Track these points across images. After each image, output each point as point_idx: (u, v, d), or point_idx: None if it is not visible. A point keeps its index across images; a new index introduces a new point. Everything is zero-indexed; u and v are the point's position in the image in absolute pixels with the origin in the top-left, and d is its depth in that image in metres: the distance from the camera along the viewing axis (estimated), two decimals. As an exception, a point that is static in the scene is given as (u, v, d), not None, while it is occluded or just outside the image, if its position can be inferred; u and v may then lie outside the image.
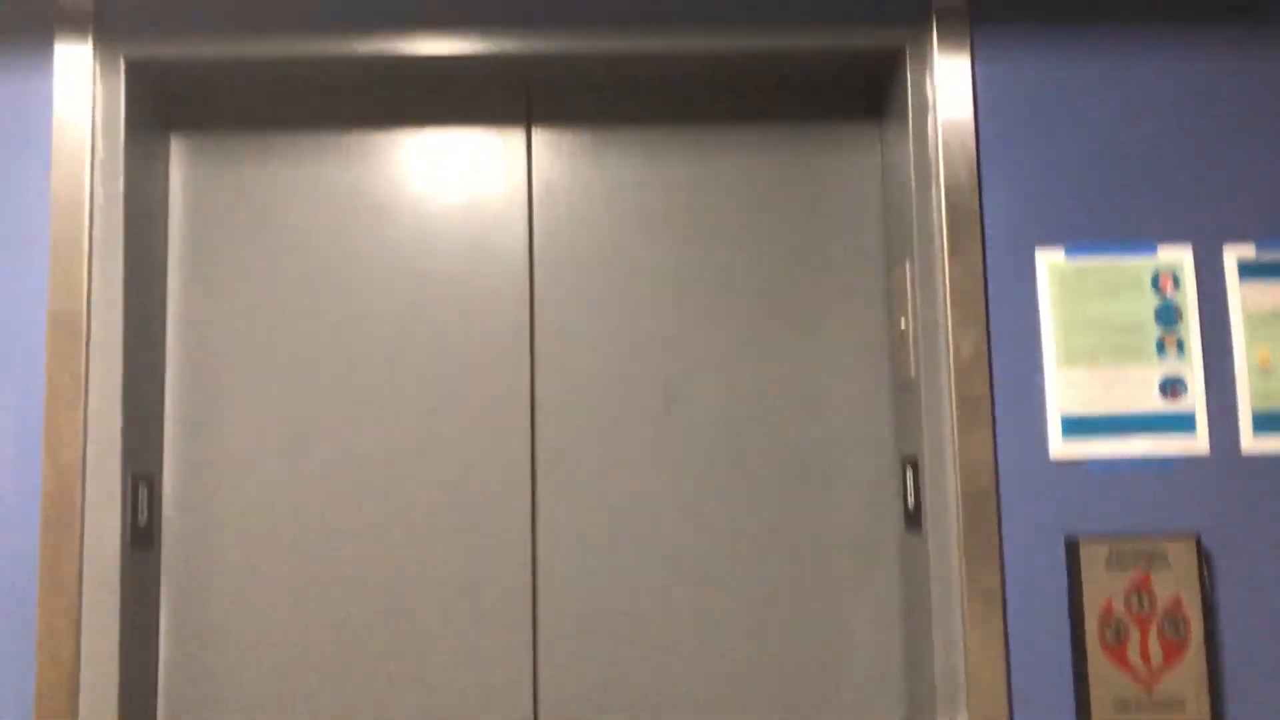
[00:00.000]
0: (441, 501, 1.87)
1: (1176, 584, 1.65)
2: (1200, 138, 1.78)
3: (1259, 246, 1.76)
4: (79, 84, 1.75)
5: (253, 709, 1.83)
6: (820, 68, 1.88)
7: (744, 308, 1.91)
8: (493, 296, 1.90)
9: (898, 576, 1.87)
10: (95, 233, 1.73)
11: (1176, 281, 1.75)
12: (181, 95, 1.93)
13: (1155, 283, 1.75)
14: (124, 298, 1.73)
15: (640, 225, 1.93)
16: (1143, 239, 1.76)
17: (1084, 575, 1.65)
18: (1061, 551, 1.70)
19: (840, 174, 1.95)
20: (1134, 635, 1.64)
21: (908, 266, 1.79)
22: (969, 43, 1.78)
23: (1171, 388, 1.73)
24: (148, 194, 1.84)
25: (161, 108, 1.92)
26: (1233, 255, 1.76)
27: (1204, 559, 1.69)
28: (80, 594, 1.67)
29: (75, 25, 1.76)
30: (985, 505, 1.70)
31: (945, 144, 1.76)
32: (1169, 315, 1.74)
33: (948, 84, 1.77)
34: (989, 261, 1.75)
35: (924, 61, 1.79)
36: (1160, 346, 1.74)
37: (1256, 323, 1.75)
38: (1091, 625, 1.64)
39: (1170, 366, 1.74)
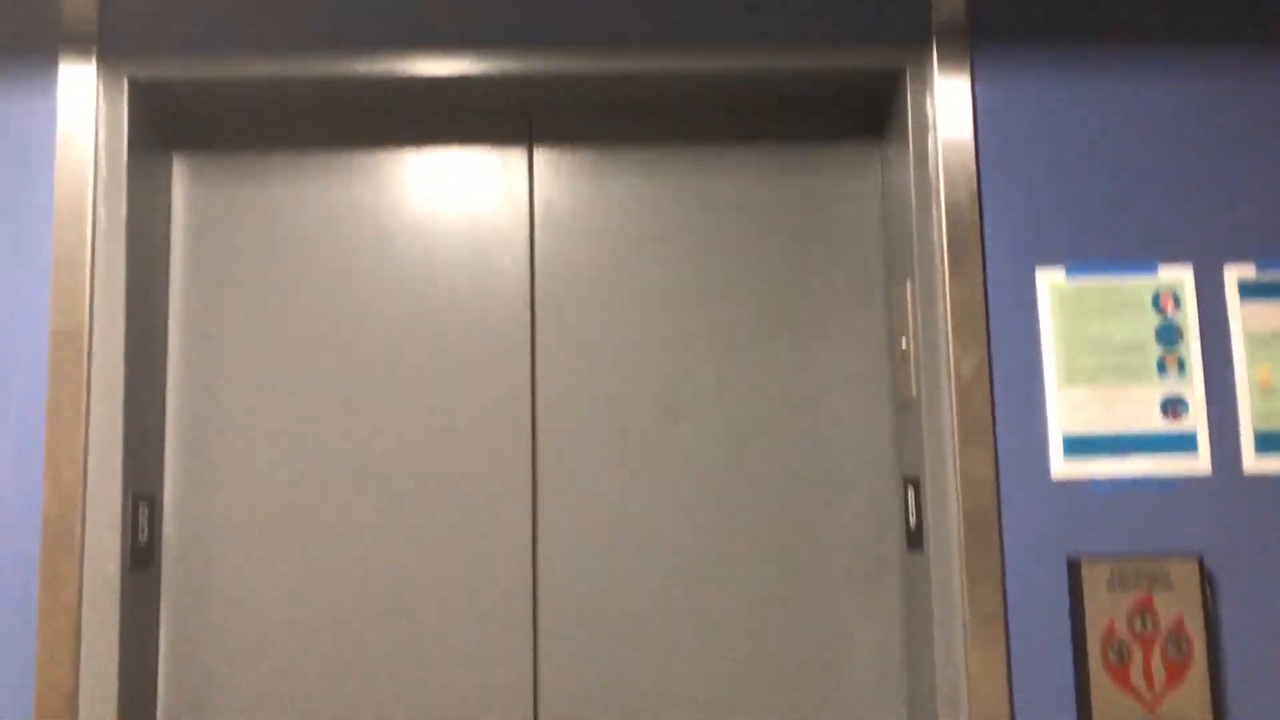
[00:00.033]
0: (442, 524, 1.86)
1: (1179, 604, 1.64)
2: (1200, 157, 1.78)
3: (1259, 266, 1.76)
4: (82, 103, 1.75)
5: (252, 729, 1.83)
6: (820, 88, 1.89)
7: (745, 327, 1.92)
8: (494, 315, 1.91)
9: (899, 596, 1.87)
10: (97, 252, 1.74)
11: (1177, 301, 1.75)
12: (184, 115, 1.94)
13: (1156, 302, 1.75)
14: (125, 316, 1.73)
15: (641, 244, 1.93)
16: (1143, 259, 1.76)
17: (1086, 596, 1.65)
18: (1063, 571, 1.69)
19: (841, 194, 1.95)
20: (1137, 656, 1.64)
21: (908, 286, 1.79)
22: (969, 63, 1.79)
23: (1172, 407, 1.73)
24: (150, 213, 1.85)
25: (164, 127, 1.92)
26: (1233, 275, 1.76)
27: (1206, 579, 1.68)
28: (80, 612, 1.67)
29: (79, 45, 1.76)
30: (987, 525, 1.69)
31: (945, 164, 1.76)
32: (1170, 335, 1.75)
33: (948, 104, 1.78)
34: (989, 281, 1.75)
35: (924, 82, 1.80)
36: (1161, 366, 1.74)
37: (1257, 342, 1.75)
38: (1094, 646, 1.64)
39: (1171, 386, 1.74)
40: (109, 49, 1.78)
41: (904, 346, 1.81)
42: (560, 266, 1.92)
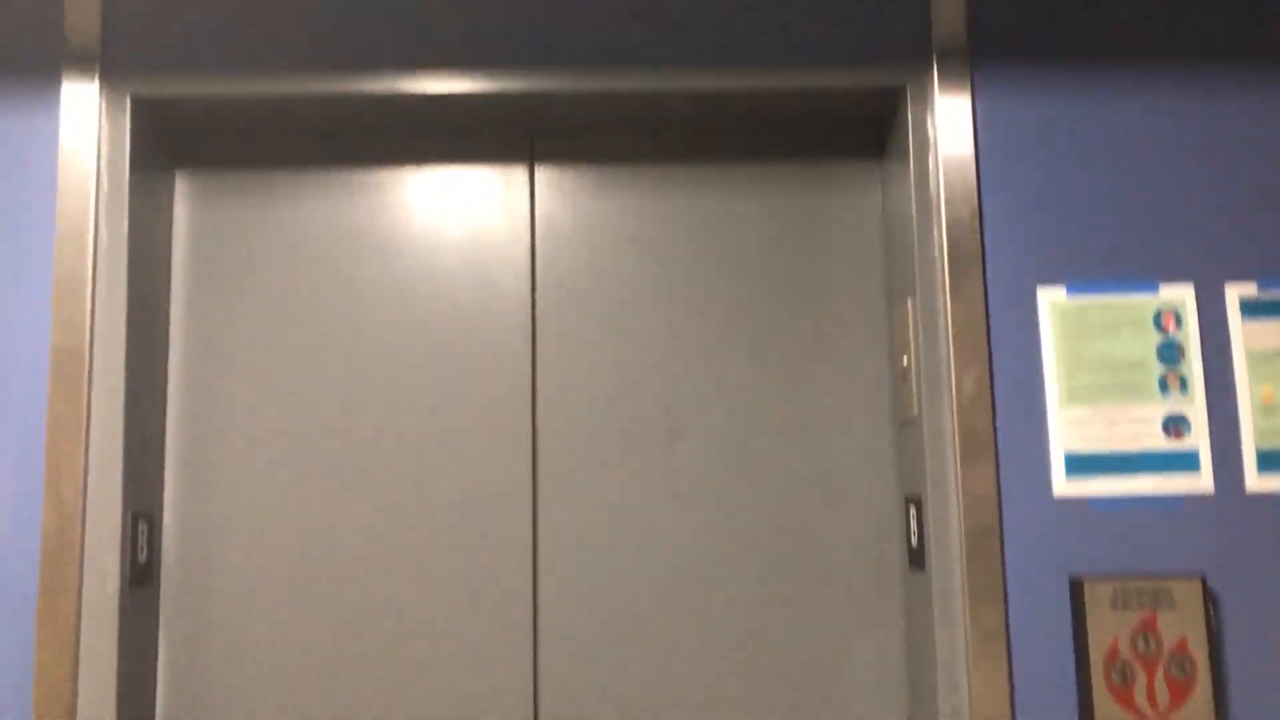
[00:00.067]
0: (443, 541, 1.86)
1: (1182, 624, 1.64)
2: (1201, 175, 1.78)
3: (1260, 285, 1.76)
4: (85, 121, 1.76)
5: (250, 749, 1.82)
6: (821, 106, 1.89)
7: (746, 345, 1.91)
8: (496, 333, 1.91)
9: (901, 615, 1.86)
10: (99, 269, 1.74)
11: (1178, 319, 1.75)
12: (186, 133, 1.94)
13: (1157, 321, 1.75)
14: (126, 334, 1.73)
15: (642, 262, 1.93)
16: (1144, 277, 1.76)
17: (1089, 615, 1.64)
18: (1065, 591, 1.68)
19: (842, 211, 1.95)
20: (1140, 677, 1.63)
21: (909, 304, 1.79)
22: (969, 81, 1.80)
23: (1174, 426, 1.73)
24: (151, 231, 1.85)
25: (166, 145, 1.93)
26: (1234, 293, 1.76)
27: (1210, 599, 1.67)
28: (79, 629, 1.66)
29: (82, 63, 1.77)
30: (988, 544, 1.69)
31: (946, 182, 1.76)
32: (1171, 353, 1.74)
33: (948, 122, 1.78)
34: (990, 299, 1.75)
35: (925, 100, 1.80)
36: (1163, 384, 1.74)
37: (1259, 361, 1.75)
38: (1097, 666, 1.63)
39: (1173, 405, 1.73)
40: (112, 67, 1.78)
41: (905, 364, 1.81)
42: (561, 284, 1.92)
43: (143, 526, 1.77)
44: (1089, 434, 1.72)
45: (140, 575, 1.76)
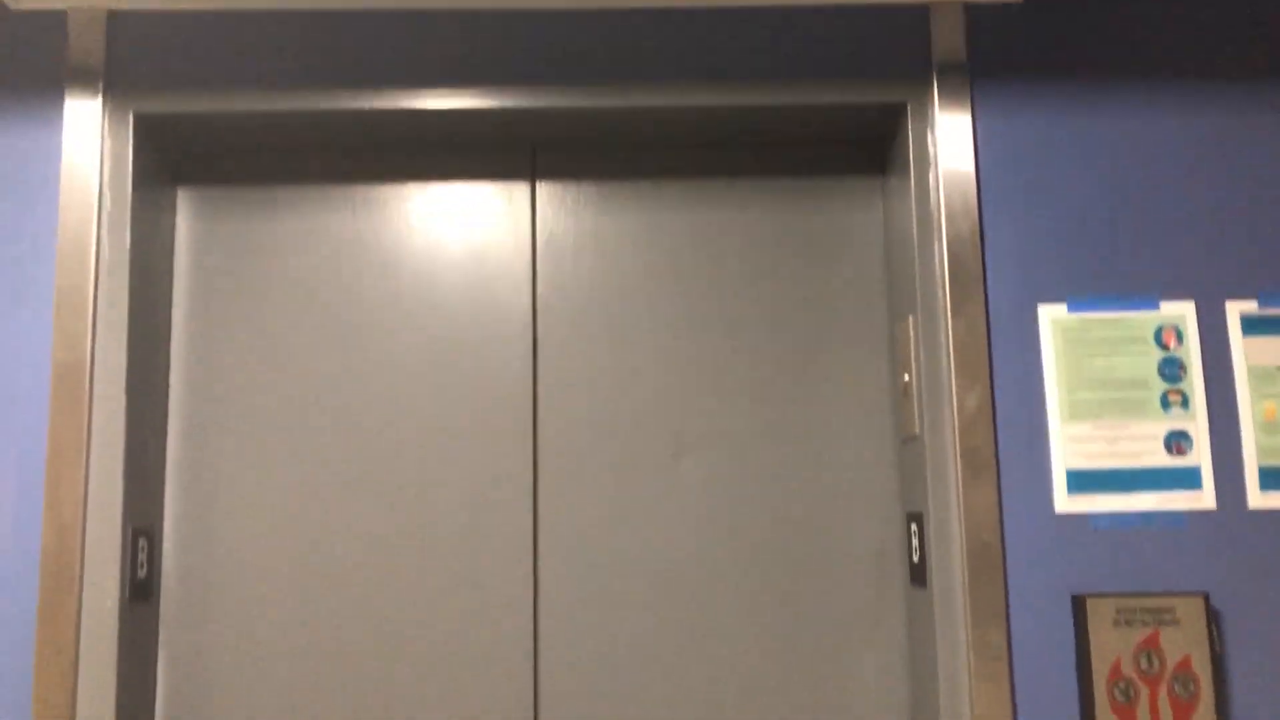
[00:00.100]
0: (444, 553, 1.86)
1: (1186, 643, 1.63)
2: (1201, 192, 1.79)
3: (1261, 301, 1.76)
4: (88, 138, 1.76)
5: (249, 766, 1.81)
6: (822, 123, 1.90)
7: (747, 361, 1.91)
8: (497, 349, 1.91)
9: (902, 632, 1.85)
10: (100, 285, 1.74)
11: (1179, 336, 1.75)
12: (189, 149, 1.95)
13: (1158, 337, 1.75)
14: (128, 349, 1.73)
15: (644, 279, 1.93)
16: (1145, 294, 1.76)
17: (1091, 633, 1.64)
18: (1068, 608, 1.68)
19: (843, 228, 1.96)
20: (1143, 695, 1.62)
21: (911, 321, 1.79)
22: (969, 98, 1.80)
23: (1176, 443, 1.73)
24: (154, 247, 1.85)
25: (169, 161, 1.93)
26: (1235, 310, 1.76)
27: (1212, 617, 1.67)
28: (78, 646, 1.66)
29: (86, 80, 1.78)
30: (990, 561, 1.68)
31: (947, 198, 1.77)
32: (1173, 370, 1.74)
33: (949, 139, 1.78)
34: (991, 316, 1.75)
35: (925, 117, 1.80)
36: (1164, 401, 1.73)
37: (1260, 377, 1.74)
38: (1100, 685, 1.62)
39: (1175, 421, 1.73)
40: (115, 84, 1.79)
41: (906, 381, 1.81)
42: (563, 300, 1.92)
43: (142, 542, 1.77)
44: (1091, 451, 1.72)
45: (140, 591, 1.76)
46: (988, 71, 1.82)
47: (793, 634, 1.85)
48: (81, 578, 1.67)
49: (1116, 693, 1.62)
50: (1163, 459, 1.72)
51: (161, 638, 1.84)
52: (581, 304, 1.92)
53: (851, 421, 1.90)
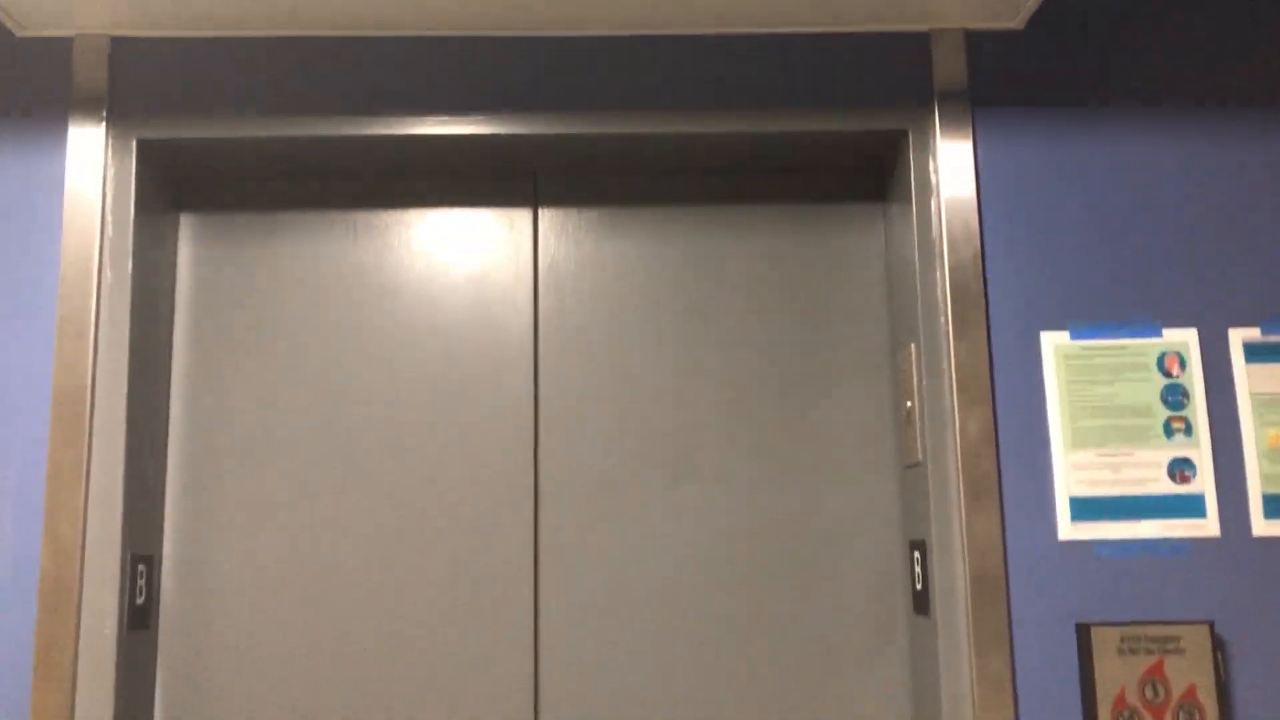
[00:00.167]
0: (444, 581, 1.85)
1: (1191, 672, 1.62)
2: (1204, 219, 1.79)
3: (1264, 329, 1.76)
4: (91, 163, 1.77)
5: (247, 796, 1.79)
6: (824, 150, 1.90)
7: (749, 388, 1.91)
8: (498, 376, 1.90)
9: (905, 661, 1.84)
10: (102, 311, 1.74)
11: (1182, 363, 1.75)
12: (191, 175, 1.95)
13: (1161, 364, 1.75)
14: (128, 375, 1.73)
15: (646, 305, 1.93)
16: (1147, 321, 1.76)
17: (1096, 662, 1.62)
18: (1072, 637, 1.67)
19: (844, 255, 1.96)
20: (1149, 726, 1.61)
21: (913, 347, 1.79)
22: (971, 125, 1.81)
23: (1180, 470, 1.72)
24: (156, 273, 1.86)
25: (171, 187, 1.94)
26: (1238, 337, 1.76)
27: (1218, 646, 1.66)
28: (75, 673, 1.65)
29: (89, 106, 1.78)
30: (994, 589, 1.67)
31: (949, 226, 1.77)
32: (1176, 397, 1.74)
33: (950, 165, 1.79)
34: (994, 342, 1.75)
35: (926, 143, 1.81)
36: (1168, 428, 1.73)
37: (1263, 405, 1.74)
38: (1104, 714, 1.61)
39: (1178, 448, 1.73)
40: (118, 111, 1.79)
41: (909, 408, 1.81)
42: (564, 326, 1.92)
43: (141, 569, 1.76)
44: (1094, 478, 1.71)
45: (138, 618, 1.75)
46: (989, 98, 1.82)
47: (794, 662, 1.84)
48: (80, 604, 1.67)
49: (1122, 723, 1.61)
50: (1166, 486, 1.71)
51: (160, 665, 1.82)
52: (583, 330, 1.92)
53: (853, 448, 1.90)
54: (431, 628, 1.83)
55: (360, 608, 1.84)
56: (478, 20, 1.78)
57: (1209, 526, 1.70)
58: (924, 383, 1.75)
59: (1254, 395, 1.74)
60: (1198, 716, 1.61)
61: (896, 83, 1.82)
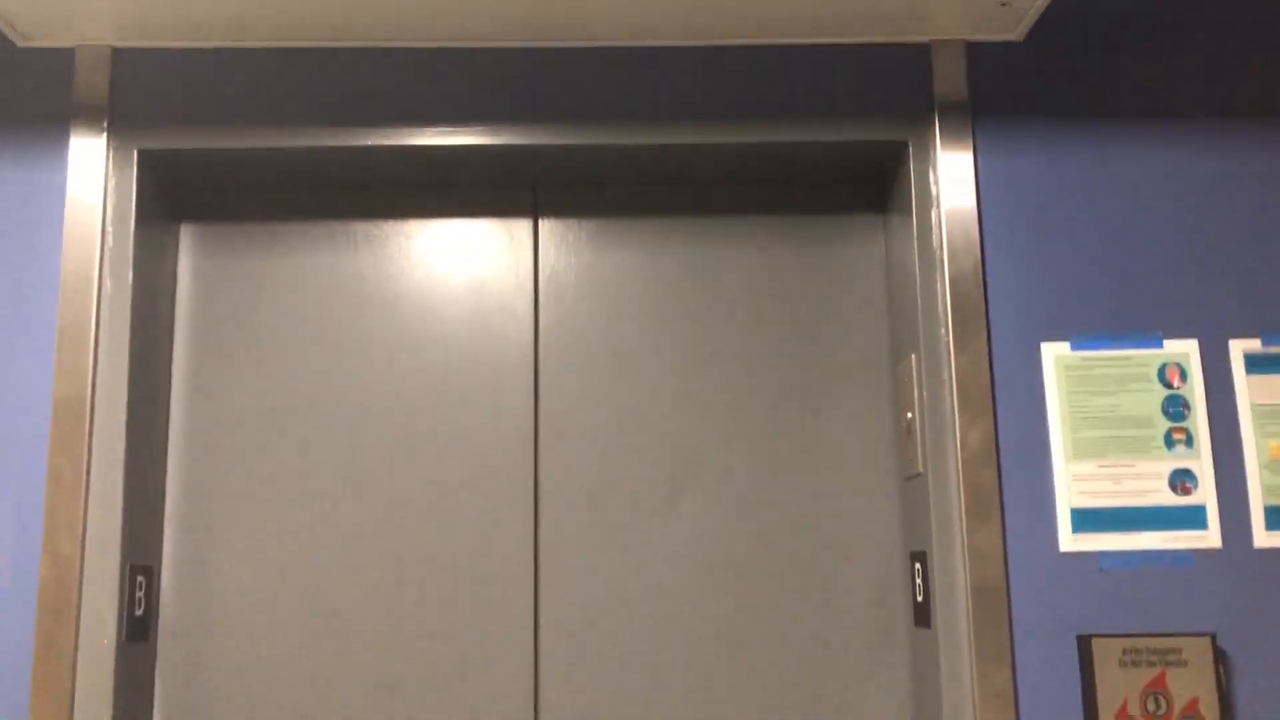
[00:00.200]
0: (444, 593, 1.84)
1: (1193, 684, 1.61)
2: (1203, 231, 1.79)
3: (1265, 340, 1.76)
4: (92, 174, 1.77)
5: (245, 808, 1.79)
6: (824, 161, 1.90)
7: (749, 400, 1.91)
8: (498, 386, 1.90)
9: (907, 673, 1.84)
10: (102, 321, 1.74)
11: (1183, 374, 1.74)
12: (192, 185, 1.95)
13: (1162, 376, 1.74)
14: (128, 387, 1.73)
15: (645, 316, 1.93)
16: (1148, 332, 1.76)
17: (1097, 674, 1.62)
18: (1074, 649, 1.66)
19: (845, 266, 1.96)
20: (1151, 739, 1.60)
21: (913, 359, 1.79)
22: (971, 137, 1.81)
23: (1181, 481, 1.72)
24: (156, 283, 1.86)
25: (172, 197, 1.94)
26: (1238, 349, 1.75)
27: (1220, 658, 1.65)
28: (74, 684, 1.64)
29: (90, 117, 1.78)
30: (995, 601, 1.67)
31: (949, 237, 1.77)
32: (1177, 408, 1.74)
33: (951, 177, 1.79)
34: (995, 354, 1.75)
35: (927, 155, 1.81)
36: (1169, 439, 1.73)
37: (1264, 416, 1.74)
38: (1107, 727, 1.61)
39: (1179, 460, 1.72)
40: (119, 121, 1.80)
41: (909, 420, 1.80)
42: (564, 337, 1.92)
43: (141, 580, 1.76)
44: (1095, 489, 1.71)
45: (137, 630, 1.74)
46: (989, 109, 1.82)
47: (795, 674, 1.83)
48: (79, 615, 1.66)
49: (1124, 736, 1.61)
50: (1168, 498, 1.71)
51: (158, 677, 1.82)
52: (583, 341, 1.92)
53: (853, 459, 1.89)
54: (432, 639, 1.83)
55: (360, 619, 1.83)
56: (478, 31, 1.78)
57: (1210, 538, 1.70)
58: (924, 394, 1.75)
59: (1255, 406, 1.74)
60: (1200, 729, 1.61)
61: (897, 94, 1.83)
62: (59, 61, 1.81)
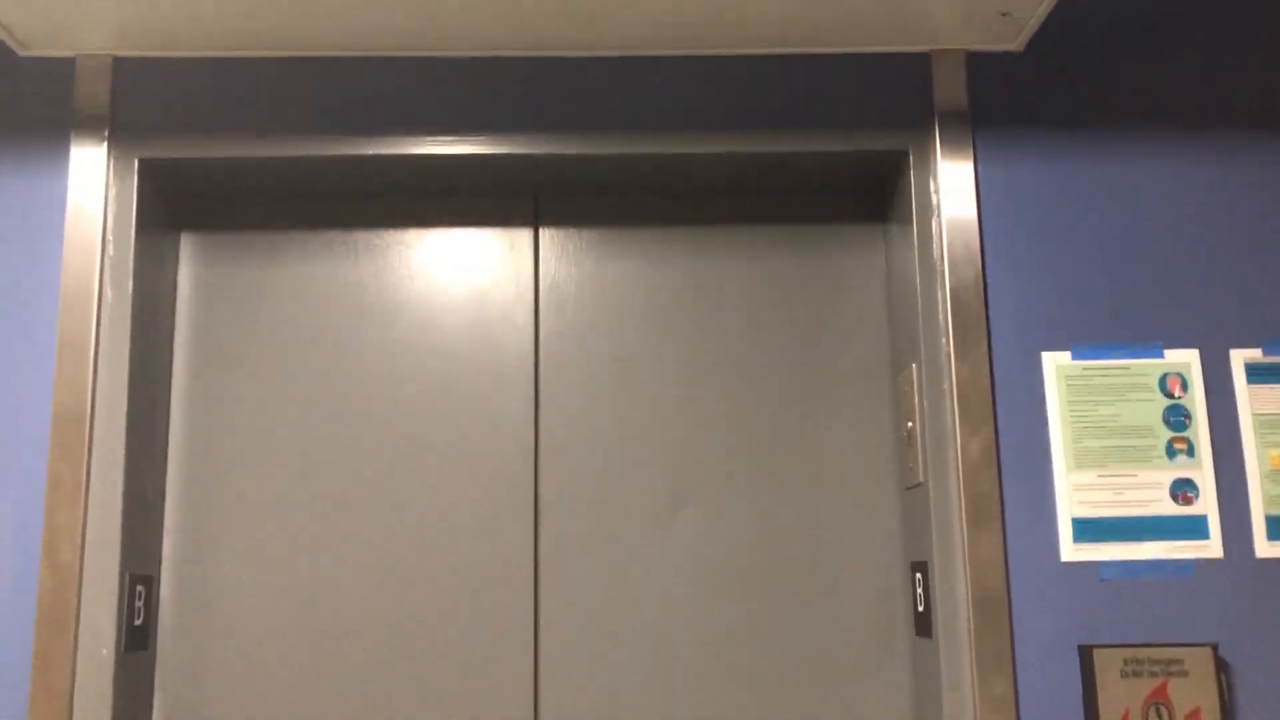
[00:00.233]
0: (443, 604, 1.84)
1: (1195, 694, 1.61)
2: (1204, 240, 1.79)
3: (1266, 349, 1.76)
4: (93, 183, 1.77)
5: (244, 819, 1.78)
6: (824, 170, 1.90)
7: (750, 409, 1.91)
8: (499, 396, 1.90)
9: (908, 683, 1.83)
10: (102, 331, 1.74)
11: (1184, 384, 1.74)
12: (193, 195, 1.96)
13: (1163, 385, 1.74)
14: (128, 396, 1.73)
15: (647, 326, 1.93)
16: (1149, 341, 1.76)
17: (1099, 684, 1.62)
18: (1075, 658, 1.66)
19: (845, 276, 1.96)
20: (1153, 750, 1.60)
21: (914, 368, 1.79)
22: (971, 145, 1.81)
23: (1182, 491, 1.71)
24: (156, 292, 1.86)
25: (172, 207, 1.94)
26: (1239, 358, 1.75)
27: (1222, 668, 1.65)
28: (72, 695, 1.64)
29: (91, 126, 1.79)
30: (996, 610, 1.67)
31: (950, 246, 1.77)
32: (1178, 418, 1.73)
33: (951, 186, 1.79)
34: (995, 363, 1.75)
35: (927, 164, 1.81)
36: (1170, 449, 1.73)
37: (1265, 425, 1.74)
38: (1108, 738, 1.60)
39: (1181, 469, 1.72)
40: (120, 130, 1.80)
41: (910, 429, 1.80)
42: (565, 346, 1.92)
43: (140, 589, 1.75)
44: (1096, 499, 1.71)
45: (136, 639, 1.74)
46: (989, 119, 1.83)
47: (796, 684, 1.83)
48: (78, 625, 1.66)
49: (1126, 746, 1.60)
50: (1169, 508, 1.71)
51: (157, 686, 1.81)
52: (584, 350, 1.92)
53: (854, 469, 1.89)
54: (432, 650, 1.82)
55: (360, 630, 1.83)
56: (478, 41, 1.79)
57: (1212, 548, 1.70)
58: (925, 403, 1.75)
59: (1256, 416, 1.74)
60: (1202, 740, 1.60)
61: (897, 103, 1.83)
62: (60, 70, 1.81)
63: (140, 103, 1.81)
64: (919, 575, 1.77)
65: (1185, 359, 1.75)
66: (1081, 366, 1.75)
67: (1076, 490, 1.71)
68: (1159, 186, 1.81)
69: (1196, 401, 1.74)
